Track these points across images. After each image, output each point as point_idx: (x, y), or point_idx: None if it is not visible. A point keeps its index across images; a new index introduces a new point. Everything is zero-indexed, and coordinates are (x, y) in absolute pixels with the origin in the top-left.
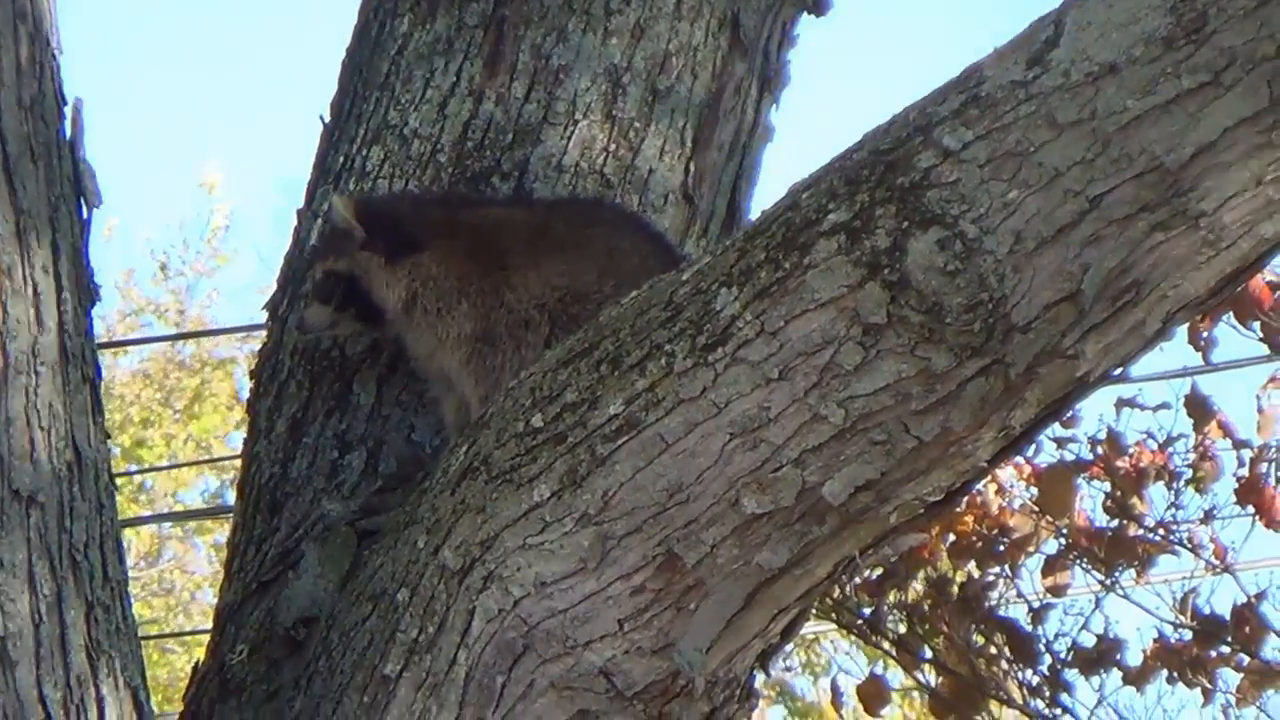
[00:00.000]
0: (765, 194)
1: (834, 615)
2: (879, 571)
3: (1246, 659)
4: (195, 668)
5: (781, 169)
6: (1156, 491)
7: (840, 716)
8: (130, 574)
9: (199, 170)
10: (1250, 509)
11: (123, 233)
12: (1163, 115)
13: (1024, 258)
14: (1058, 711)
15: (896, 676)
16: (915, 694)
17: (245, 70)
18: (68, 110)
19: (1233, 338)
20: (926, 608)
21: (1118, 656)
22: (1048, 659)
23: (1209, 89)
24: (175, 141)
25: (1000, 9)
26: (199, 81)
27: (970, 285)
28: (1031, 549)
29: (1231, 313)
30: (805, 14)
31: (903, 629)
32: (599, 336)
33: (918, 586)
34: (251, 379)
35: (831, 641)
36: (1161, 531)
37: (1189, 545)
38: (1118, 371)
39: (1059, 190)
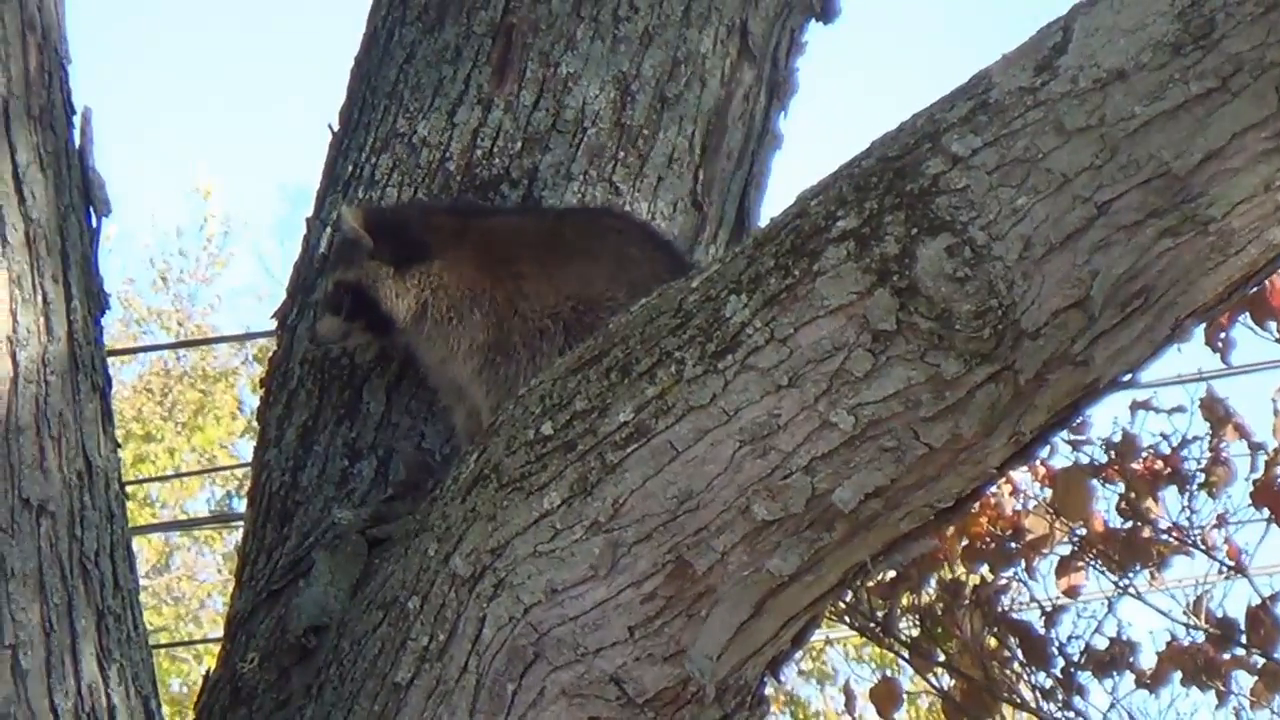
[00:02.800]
0: (774, 201)
1: (847, 618)
2: (892, 574)
3: (1260, 661)
4: (206, 676)
5: (790, 176)
6: (1170, 494)
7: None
8: (140, 582)
9: (192, 175)
10: (1265, 511)
11: (119, 240)
12: (1171, 121)
13: (1033, 264)
14: (1070, 714)
15: (908, 679)
16: (924, 697)
17: (234, 74)
18: (76, 119)
19: (1248, 339)
20: (939, 610)
21: (1131, 659)
22: (1061, 661)
23: (1217, 95)
24: (166, 145)
25: (1010, 16)
26: (186, 85)
27: (979, 292)
28: (1045, 551)
29: (1248, 313)
30: (813, 21)
31: (916, 632)
32: (609, 344)
33: (931, 589)
34: (261, 387)
35: (844, 645)
36: (1175, 534)
37: (1203, 547)
38: (1127, 377)
39: (1067, 196)
